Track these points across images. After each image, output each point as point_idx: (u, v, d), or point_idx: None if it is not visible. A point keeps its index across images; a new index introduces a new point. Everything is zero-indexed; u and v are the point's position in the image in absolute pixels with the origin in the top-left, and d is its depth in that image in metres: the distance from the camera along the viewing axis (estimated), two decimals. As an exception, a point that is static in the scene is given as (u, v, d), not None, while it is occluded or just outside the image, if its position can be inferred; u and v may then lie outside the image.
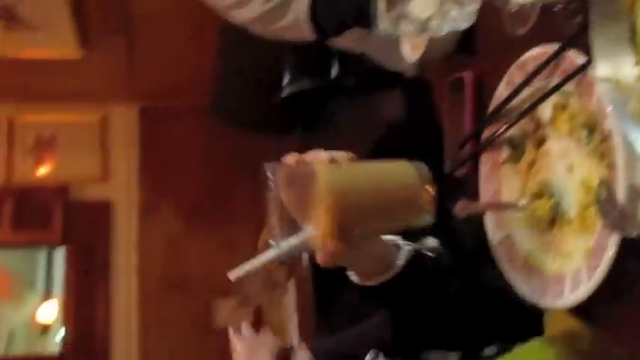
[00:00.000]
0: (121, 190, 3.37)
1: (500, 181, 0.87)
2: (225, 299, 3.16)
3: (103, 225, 3.32)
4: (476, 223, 0.95)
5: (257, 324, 3.24)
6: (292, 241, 0.75)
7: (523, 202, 0.82)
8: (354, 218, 0.74)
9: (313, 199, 0.74)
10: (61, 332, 3.50)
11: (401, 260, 0.83)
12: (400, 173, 0.76)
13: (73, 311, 3.24)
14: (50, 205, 3.30)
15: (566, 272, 0.75)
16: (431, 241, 0.88)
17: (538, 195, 0.80)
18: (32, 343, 5.45)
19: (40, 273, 5.69)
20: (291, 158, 0.79)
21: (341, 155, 0.77)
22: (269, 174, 0.76)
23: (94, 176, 3.36)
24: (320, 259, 0.76)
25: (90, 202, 3.36)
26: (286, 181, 0.77)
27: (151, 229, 3.30)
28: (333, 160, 0.77)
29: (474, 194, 0.92)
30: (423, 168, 0.76)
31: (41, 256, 5.58)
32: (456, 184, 1.04)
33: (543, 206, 0.79)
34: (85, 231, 3.31)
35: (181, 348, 3.03)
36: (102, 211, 3.34)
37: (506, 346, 0.90)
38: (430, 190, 0.75)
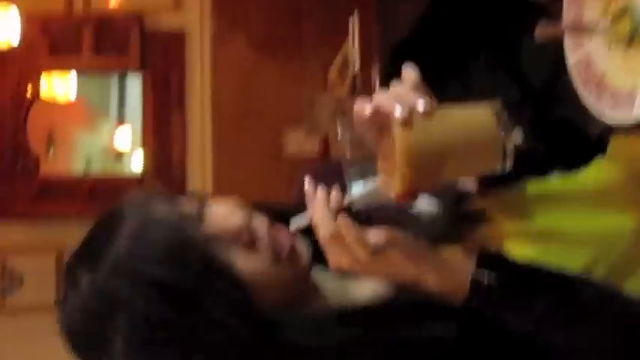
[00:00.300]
0: (194, 20, 3.42)
1: (582, 4, 0.90)
2: (295, 129, 3.27)
3: (177, 54, 3.41)
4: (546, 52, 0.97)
5: (324, 153, 3.36)
6: (365, 187, 0.75)
7: (604, 22, 0.85)
8: (429, 171, 0.73)
9: (388, 152, 0.73)
10: (135, 158, 3.69)
11: None
12: (478, 120, 0.73)
13: (151, 136, 3.40)
14: (127, 32, 3.38)
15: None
16: None
17: (619, 16, 0.83)
18: (108, 168, 5.76)
19: (113, 101, 5.90)
20: (362, 107, 0.74)
21: (415, 98, 0.73)
22: (340, 129, 0.75)
23: (167, 4, 3.41)
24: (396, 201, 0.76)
25: (164, 32, 3.43)
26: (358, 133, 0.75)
27: (224, 59, 3.37)
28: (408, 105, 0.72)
29: (555, 19, 0.95)
30: (502, 111, 0.73)
31: (114, 83, 5.76)
32: (539, 10, 1.06)
33: (623, 27, 0.82)
34: (160, 59, 3.41)
35: (253, 175, 3.18)
36: (176, 41, 3.41)
37: (571, 171, 0.95)
38: (507, 136, 0.73)
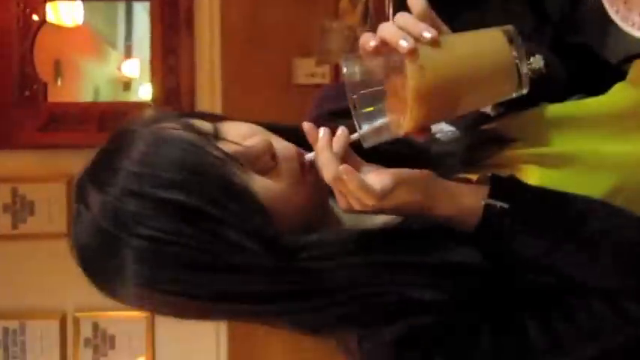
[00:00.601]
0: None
1: None
2: (305, 57, 3.22)
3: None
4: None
5: (335, 82, 3.31)
6: (374, 125, 0.72)
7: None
8: (443, 104, 0.71)
9: (398, 88, 0.70)
10: (144, 86, 3.64)
11: None
12: (490, 45, 0.71)
13: (159, 62, 3.35)
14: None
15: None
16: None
17: None
18: (117, 97, 5.73)
19: (121, 27, 5.83)
20: (367, 40, 0.71)
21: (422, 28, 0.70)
22: (345, 66, 0.71)
23: None
24: (415, 136, 0.75)
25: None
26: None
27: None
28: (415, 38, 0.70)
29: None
30: (515, 34, 0.70)
31: (121, 9, 5.68)
32: None
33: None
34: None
35: (262, 102, 3.14)
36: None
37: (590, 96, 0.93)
38: (521, 59, 0.70)
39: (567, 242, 0.73)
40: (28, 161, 3.10)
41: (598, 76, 0.99)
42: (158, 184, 0.72)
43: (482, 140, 0.86)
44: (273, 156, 0.78)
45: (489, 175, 0.77)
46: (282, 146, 0.80)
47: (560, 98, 0.90)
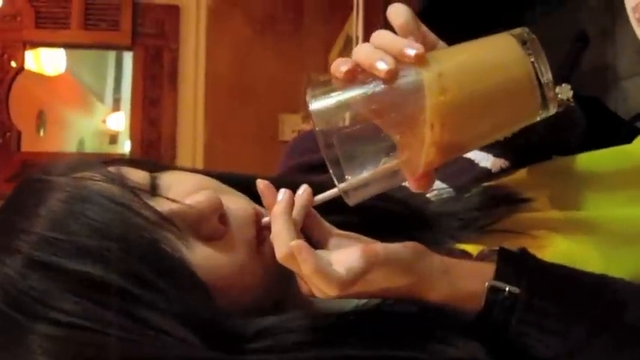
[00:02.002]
0: (190, -6, 3.26)
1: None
2: (292, 113, 3.12)
3: (172, 29, 3.25)
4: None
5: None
6: (357, 177, 0.56)
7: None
8: (466, 128, 0.56)
9: (405, 115, 0.55)
10: (129, 142, 3.53)
11: None
12: (502, 54, 0.56)
13: (141, 114, 3.24)
14: (119, 5, 3.22)
15: None
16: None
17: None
18: (101, 150, 5.63)
19: (109, 83, 5.77)
20: (339, 66, 0.56)
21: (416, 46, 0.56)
22: (311, 101, 0.55)
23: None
24: (414, 186, 0.59)
25: (158, 4, 3.27)
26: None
27: (220, 37, 3.21)
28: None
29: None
30: (527, 36, 0.56)
31: (110, 62, 5.63)
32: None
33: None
34: (153, 34, 3.25)
35: (246, 157, 3.02)
36: (171, 14, 3.25)
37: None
38: (541, 65, 0.55)
39: (597, 339, 0.56)
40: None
41: (609, 133, 0.87)
42: (68, 252, 0.56)
43: (487, 200, 0.71)
44: (223, 218, 0.62)
45: (495, 248, 0.60)
46: (236, 206, 0.64)
47: (575, 150, 0.75)
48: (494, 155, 0.74)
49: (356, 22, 2.72)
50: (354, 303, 0.60)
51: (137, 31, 3.23)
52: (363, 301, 0.61)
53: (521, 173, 0.73)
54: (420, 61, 0.55)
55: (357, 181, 0.56)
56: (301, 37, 3.21)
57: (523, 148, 0.71)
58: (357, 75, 0.56)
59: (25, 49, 3.23)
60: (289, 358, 0.57)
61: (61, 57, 3.93)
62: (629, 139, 0.79)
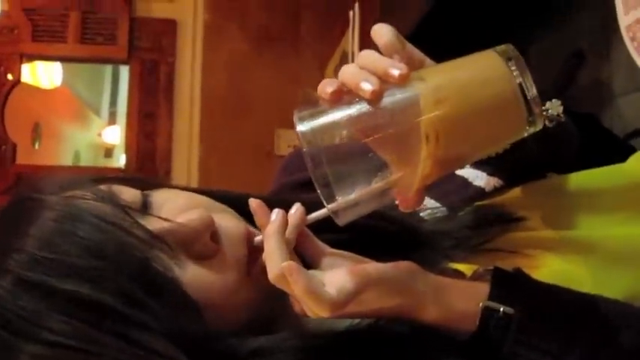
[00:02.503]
0: (188, 8, 3.27)
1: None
2: (287, 129, 3.12)
3: (169, 43, 3.25)
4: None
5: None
6: (346, 198, 0.55)
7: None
8: (460, 142, 0.56)
9: (398, 133, 0.55)
10: (124, 156, 3.53)
11: None
12: (488, 70, 0.56)
13: (137, 127, 3.23)
14: (116, 19, 3.23)
15: None
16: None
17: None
18: (97, 163, 5.62)
19: (105, 96, 5.77)
20: (325, 87, 0.56)
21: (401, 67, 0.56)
22: (299, 124, 0.55)
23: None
24: (404, 205, 0.59)
25: (155, 18, 3.27)
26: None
27: (217, 51, 3.22)
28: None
29: None
30: (512, 53, 0.56)
31: (106, 80, 5.64)
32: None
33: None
34: (150, 48, 3.25)
35: (242, 172, 3.02)
36: (168, 29, 3.25)
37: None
38: (526, 80, 0.55)
39: None
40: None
41: (604, 150, 0.86)
42: (58, 272, 0.55)
43: (481, 219, 0.71)
44: (215, 237, 0.62)
45: (490, 268, 0.60)
46: (229, 225, 0.63)
47: (570, 168, 0.74)
48: (488, 174, 0.74)
49: (352, 38, 2.73)
50: (347, 322, 0.60)
51: (134, 45, 3.24)
52: (357, 320, 0.60)
53: (515, 192, 0.72)
54: (403, 80, 0.55)
55: (346, 201, 0.56)
56: (297, 53, 3.22)
57: (516, 165, 0.71)
58: (343, 95, 0.56)
59: (21, 62, 3.23)
60: None
61: (57, 70, 3.94)
62: (623, 157, 0.79)
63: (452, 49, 0.63)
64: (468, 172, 0.75)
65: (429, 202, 0.74)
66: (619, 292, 0.62)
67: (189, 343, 0.56)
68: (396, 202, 0.60)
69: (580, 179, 0.73)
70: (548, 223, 0.70)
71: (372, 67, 0.56)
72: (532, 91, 0.55)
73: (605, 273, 0.66)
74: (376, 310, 0.57)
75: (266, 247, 0.57)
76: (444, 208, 0.74)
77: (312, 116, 0.56)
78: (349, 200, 0.56)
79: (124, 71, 3.77)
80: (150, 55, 3.24)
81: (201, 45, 3.23)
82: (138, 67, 3.26)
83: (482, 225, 0.69)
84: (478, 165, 0.73)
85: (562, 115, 0.62)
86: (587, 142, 0.85)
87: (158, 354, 0.55)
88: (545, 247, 0.67)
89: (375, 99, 0.54)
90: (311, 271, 0.55)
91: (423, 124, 0.54)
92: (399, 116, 0.55)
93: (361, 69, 0.56)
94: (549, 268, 0.65)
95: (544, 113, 0.60)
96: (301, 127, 0.55)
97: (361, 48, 2.68)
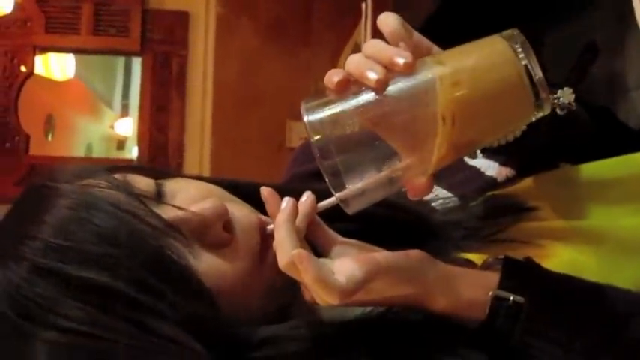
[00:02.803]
0: (200, 2, 3.27)
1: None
2: (299, 121, 3.12)
3: (181, 36, 3.26)
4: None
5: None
6: (355, 185, 0.56)
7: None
8: (473, 126, 0.56)
9: (407, 118, 0.55)
10: (136, 148, 3.55)
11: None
12: (495, 55, 0.56)
13: (149, 119, 3.25)
14: (129, 11, 3.24)
15: None
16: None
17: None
18: (109, 155, 5.64)
19: (118, 88, 5.79)
20: (332, 77, 0.56)
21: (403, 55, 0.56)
22: (306, 114, 0.56)
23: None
24: (413, 193, 0.59)
25: (168, 11, 3.28)
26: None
27: (229, 44, 3.22)
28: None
29: None
30: (517, 37, 0.56)
31: (119, 72, 5.66)
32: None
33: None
34: (162, 40, 3.26)
35: (253, 164, 3.03)
36: (180, 21, 3.26)
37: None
38: (532, 64, 0.55)
39: (601, 351, 0.56)
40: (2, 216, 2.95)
41: (618, 143, 0.86)
42: (74, 260, 0.56)
43: (492, 209, 0.70)
44: (228, 226, 0.62)
45: (500, 257, 0.60)
46: (241, 214, 0.63)
47: (583, 157, 0.74)
48: (500, 164, 0.74)
49: (365, 30, 2.72)
50: (358, 311, 0.60)
51: (146, 37, 3.25)
52: (368, 308, 0.61)
53: (527, 182, 0.72)
54: (408, 69, 0.55)
55: (355, 190, 0.56)
56: (309, 45, 3.22)
57: (528, 154, 0.71)
58: (350, 85, 0.56)
59: (34, 54, 3.24)
60: None
61: (70, 62, 3.95)
62: (638, 149, 0.78)
63: (466, 38, 0.63)
64: (481, 163, 0.75)
65: (441, 192, 0.74)
66: (629, 282, 0.62)
67: (203, 331, 0.56)
68: (404, 190, 0.60)
69: (592, 169, 0.72)
70: (559, 213, 0.69)
71: (378, 56, 0.56)
72: (538, 74, 0.55)
73: (616, 263, 0.66)
74: (385, 298, 0.57)
75: (276, 235, 0.58)
76: (455, 198, 0.74)
77: (319, 106, 0.56)
78: (358, 189, 0.56)
79: (137, 64, 3.78)
80: (162, 47, 3.25)
81: (213, 37, 3.23)
82: (150, 59, 3.27)
83: (493, 215, 0.69)
84: (490, 155, 0.73)
85: (573, 104, 0.62)
86: (601, 134, 0.84)
87: (173, 341, 0.55)
88: (556, 237, 0.67)
89: (380, 87, 0.55)
90: (321, 259, 0.56)
91: (440, 106, 0.54)
92: (411, 100, 0.55)
93: (367, 58, 0.56)
94: (560, 258, 0.65)
95: (555, 101, 0.60)
96: (308, 118, 0.55)
97: (374, 16, 2.67)
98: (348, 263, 0.54)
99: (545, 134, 0.65)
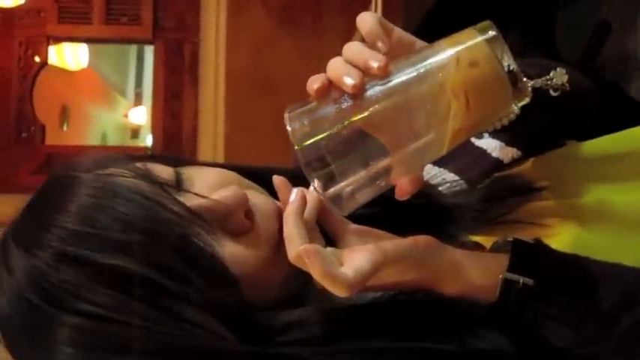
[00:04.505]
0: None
1: None
2: (312, 105, 3.12)
3: (193, 22, 3.27)
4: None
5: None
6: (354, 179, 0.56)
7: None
8: (481, 108, 0.56)
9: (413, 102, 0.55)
10: (150, 136, 3.57)
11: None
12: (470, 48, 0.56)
13: (162, 107, 3.26)
14: (140, 0, 3.25)
15: None
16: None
17: None
18: (124, 144, 5.67)
19: (130, 77, 5.81)
20: (312, 83, 0.57)
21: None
22: (290, 124, 0.56)
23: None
24: (400, 192, 0.59)
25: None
26: None
27: (240, 29, 3.22)
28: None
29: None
30: (489, 28, 0.56)
31: (131, 61, 5.67)
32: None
33: None
34: (174, 28, 3.27)
35: (266, 149, 3.03)
36: (191, 7, 3.27)
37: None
38: (508, 57, 0.55)
39: (611, 330, 0.56)
40: (19, 205, 2.98)
41: (628, 119, 0.86)
42: (100, 247, 0.57)
43: (500, 191, 0.71)
44: (249, 214, 0.63)
45: (509, 239, 0.60)
46: (260, 201, 0.64)
47: (592, 134, 0.74)
48: (506, 144, 0.74)
49: (375, 7, 2.72)
50: (371, 295, 0.61)
51: (158, 24, 3.26)
52: (380, 293, 0.62)
53: (533, 162, 0.73)
54: (381, 72, 0.55)
55: (345, 192, 0.56)
56: (321, 29, 3.21)
57: (531, 132, 0.71)
58: (330, 90, 0.56)
59: (48, 44, 3.27)
60: (317, 351, 0.58)
61: (83, 52, 3.97)
62: None
63: (478, 19, 0.64)
64: (487, 143, 0.75)
65: (448, 176, 0.75)
66: (637, 259, 0.62)
67: (228, 316, 0.58)
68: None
69: (597, 145, 0.73)
70: (565, 191, 0.70)
71: (354, 60, 0.56)
72: (512, 65, 0.55)
73: (624, 240, 0.66)
74: (395, 284, 0.58)
75: (285, 229, 0.59)
76: (462, 182, 0.74)
77: (302, 114, 0.56)
78: (347, 191, 0.56)
79: (149, 52, 3.79)
80: (174, 34, 3.26)
81: (225, 23, 3.23)
82: (162, 46, 3.28)
83: (500, 197, 0.70)
84: (494, 134, 0.73)
85: (566, 85, 0.62)
86: (611, 110, 0.85)
87: (199, 326, 0.56)
88: (564, 215, 0.68)
89: (356, 92, 0.55)
90: (329, 250, 0.56)
91: (457, 83, 0.55)
92: (411, 89, 0.56)
93: (346, 62, 0.57)
94: (567, 237, 0.66)
95: (548, 82, 0.60)
96: (290, 125, 0.56)
97: (384, 14, 2.66)
98: (356, 255, 0.55)
99: (549, 113, 0.65)
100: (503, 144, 0.74)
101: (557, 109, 0.64)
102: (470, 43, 0.56)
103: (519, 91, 0.56)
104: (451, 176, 0.75)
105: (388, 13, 2.67)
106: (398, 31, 0.61)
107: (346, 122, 0.55)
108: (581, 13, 2.22)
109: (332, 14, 3.22)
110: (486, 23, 0.57)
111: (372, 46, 0.57)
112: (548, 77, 0.61)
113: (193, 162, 0.71)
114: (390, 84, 0.55)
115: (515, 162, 0.74)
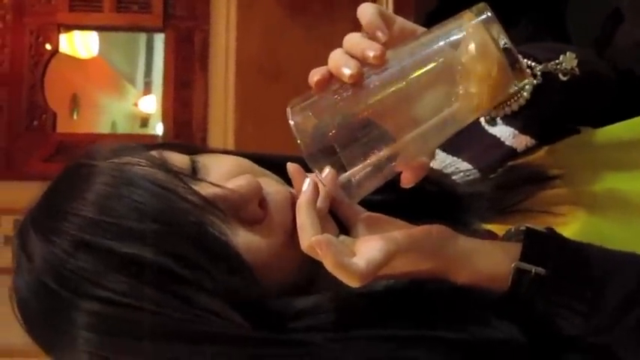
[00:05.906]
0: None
1: None
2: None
3: (203, 11, 3.26)
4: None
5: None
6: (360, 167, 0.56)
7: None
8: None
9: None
10: (160, 125, 3.57)
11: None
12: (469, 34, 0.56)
13: (173, 96, 3.27)
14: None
15: None
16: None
17: None
18: (134, 132, 5.68)
19: (140, 66, 5.81)
20: (312, 75, 0.59)
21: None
22: (292, 118, 0.57)
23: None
24: (406, 180, 0.60)
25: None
26: None
27: (251, 18, 3.22)
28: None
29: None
30: (483, 10, 0.56)
31: (141, 49, 5.68)
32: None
33: None
34: (184, 16, 3.27)
35: (277, 137, 3.03)
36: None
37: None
38: (503, 37, 0.55)
39: (624, 319, 0.57)
40: (32, 192, 2.99)
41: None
42: (117, 235, 0.58)
43: (514, 180, 0.71)
44: (262, 203, 0.64)
45: (522, 227, 0.61)
46: (274, 190, 0.65)
47: (606, 121, 0.74)
48: (520, 131, 0.74)
49: (386, 3, 2.71)
50: (384, 282, 0.62)
51: (168, 13, 3.25)
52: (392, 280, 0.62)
53: (547, 150, 0.73)
54: (378, 61, 0.56)
55: (352, 182, 0.57)
56: (332, 18, 3.20)
57: (543, 117, 0.71)
58: (331, 81, 0.57)
59: (59, 32, 3.27)
60: (331, 337, 0.58)
61: (93, 40, 3.97)
62: None
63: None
64: (500, 131, 0.75)
65: (462, 165, 0.75)
66: None
67: (242, 304, 0.58)
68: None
69: (612, 132, 0.73)
70: (579, 178, 0.70)
71: (353, 51, 0.57)
72: (508, 45, 0.56)
73: (636, 227, 0.66)
74: (407, 273, 0.59)
75: (298, 219, 0.59)
76: (475, 170, 0.75)
77: (304, 108, 0.58)
78: (354, 180, 0.57)
79: (159, 40, 3.79)
80: (184, 22, 3.26)
81: (235, 11, 3.23)
82: (173, 35, 3.28)
83: (514, 185, 0.70)
84: (508, 121, 0.74)
85: (575, 69, 0.62)
86: (626, 97, 0.84)
87: (215, 314, 0.57)
88: (577, 203, 0.68)
89: (355, 82, 0.56)
90: (342, 239, 0.57)
91: (458, 68, 0.55)
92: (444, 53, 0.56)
93: (345, 53, 0.58)
94: (581, 225, 0.66)
95: (557, 67, 0.60)
96: (293, 119, 0.57)
97: (395, 10, 2.66)
98: (368, 244, 0.56)
99: (562, 97, 0.65)
100: (516, 131, 0.74)
101: (570, 93, 0.64)
102: (466, 25, 0.56)
103: (519, 72, 0.56)
104: (465, 165, 0.75)
105: (400, 6, 2.67)
106: (400, 21, 0.61)
107: (348, 111, 0.56)
108: (593, 2, 2.21)
109: (343, 3, 3.20)
110: (481, 5, 0.57)
111: (372, 37, 0.58)
112: (557, 61, 0.61)
113: (208, 149, 0.71)
114: (389, 71, 0.56)
115: (529, 150, 0.74)
